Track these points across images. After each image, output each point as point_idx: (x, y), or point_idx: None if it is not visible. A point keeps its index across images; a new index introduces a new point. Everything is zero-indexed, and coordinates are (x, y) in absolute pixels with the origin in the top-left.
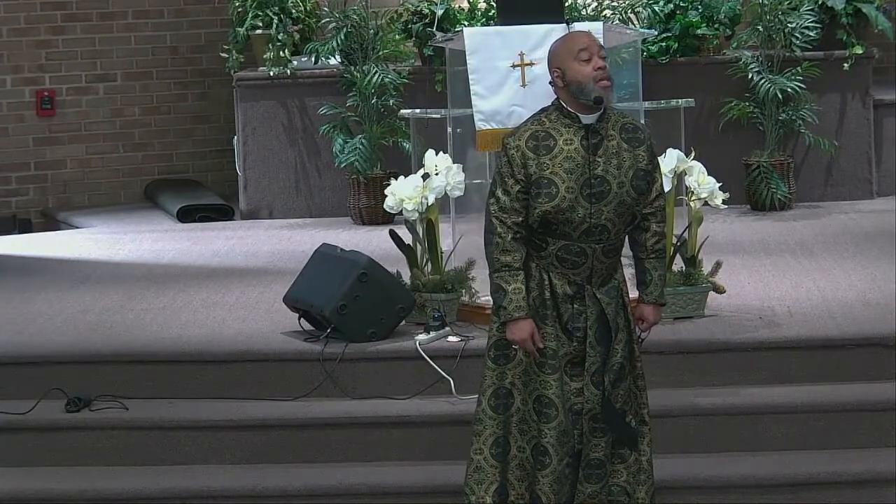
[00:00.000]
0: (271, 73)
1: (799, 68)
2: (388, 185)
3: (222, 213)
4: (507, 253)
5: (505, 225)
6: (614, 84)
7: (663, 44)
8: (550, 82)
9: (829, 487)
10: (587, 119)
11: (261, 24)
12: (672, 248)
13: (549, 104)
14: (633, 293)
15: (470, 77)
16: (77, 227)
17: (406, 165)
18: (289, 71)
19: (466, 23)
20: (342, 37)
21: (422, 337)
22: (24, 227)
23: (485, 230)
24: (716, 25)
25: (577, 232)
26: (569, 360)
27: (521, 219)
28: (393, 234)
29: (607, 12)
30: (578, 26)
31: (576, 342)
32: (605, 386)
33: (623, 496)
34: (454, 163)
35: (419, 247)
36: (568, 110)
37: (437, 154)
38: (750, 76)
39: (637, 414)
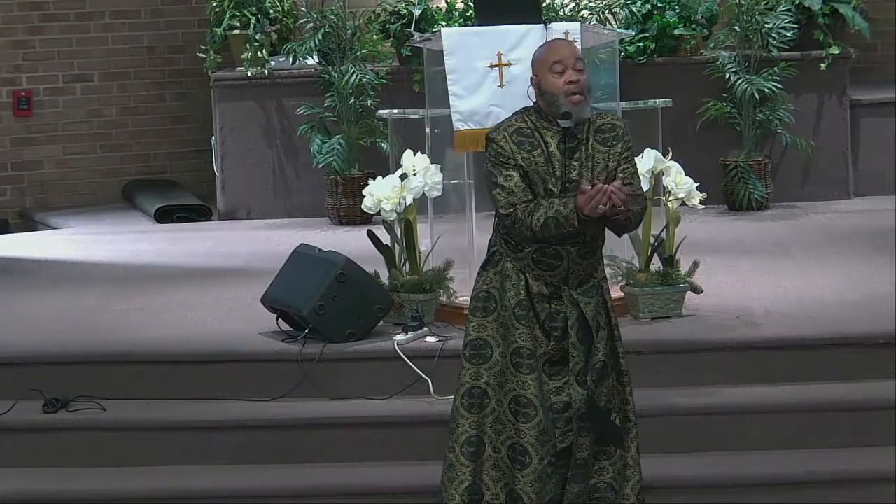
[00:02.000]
0: (249, 74)
1: (776, 68)
2: (366, 185)
3: (200, 213)
4: (534, 213)
5: (518, 207)
6: (589, 96)
7: (641, 44)
8: (529, 87)
9: (807, 487)
10: (565, 123)
11: (238, 25)
12: (650, 249)
13: (530, 105)
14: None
15: (448, 77)
16: (54, 228)
17: (384, 166)
18: (266, 71)
19: (444, 23)
20: (320, 37)
21: (400, 337)
22: (2, 227)
23: (497, 225)
24: (693, 26)
25: None
26: (547, 359)
27: (530, 198)
28: (371, 235)
29: (585, 12)
30: (556, 27)
31: (553, 341)
32: (588, 385)
33: (609, 492)
34: (432, 163)
35: (397, 247)
36: (545, 113)
37: (415, 154)
38: (727, 76)
39: (621, 411)
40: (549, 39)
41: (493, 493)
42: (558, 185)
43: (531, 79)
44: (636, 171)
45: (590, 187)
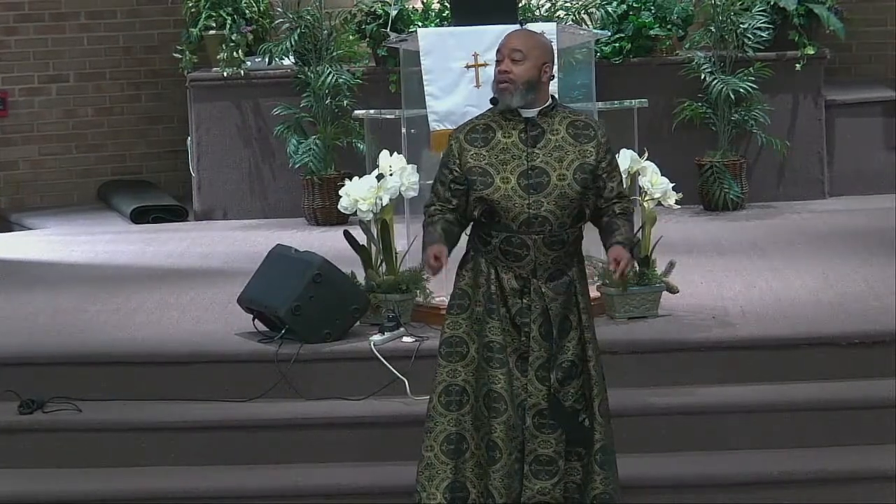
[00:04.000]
0: (225, 74)
1: (751, 69)
2: (343, 185)
3: (176, 214)
4: (432, 216)
5: (433, 207)
6: (517, 87)
7: (616, 44)
8: None
9: (783, 486)
10: (527, 113)
11: (214, 25)
12: None
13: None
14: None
15: (424, 78)
16: (30, 229)
17: (360, 166)
18: (242, 71)
19: (420, 23)
20: (296, 37)
21: (376, 338)
22: None
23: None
24: (668, 26)
25: (517, 223)
26: (518, 355)
27: (451, 206)
28: (347, 235)
29: (561, 13)
30: (532, 27)
31: (524, 337)
32: (551, 382)
33: (577, 493)
34: (408, 163)
35: (373, 247)
36: None
37: (391, 155)
38: (702, 77)
39: (590, 415)
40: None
41: (478, 490)
42: (517, 172)
43: None
44: (621, 180)
45: (435, 263)
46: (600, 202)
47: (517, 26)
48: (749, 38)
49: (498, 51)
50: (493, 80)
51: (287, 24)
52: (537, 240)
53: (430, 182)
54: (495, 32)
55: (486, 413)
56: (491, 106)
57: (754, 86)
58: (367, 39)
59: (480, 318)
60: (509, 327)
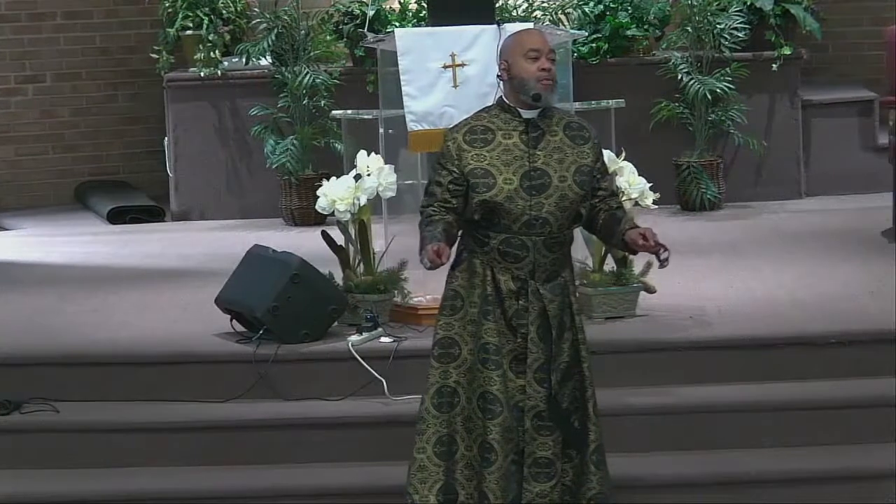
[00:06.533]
0: (202, 74)
1: (728, 69)
2: (320, 186)
3: (153, 214)
4: (430, 216)
5: (429, 209)
6: (556, 86)
7: (593, 45)
8: (498, 75)
9: (761, 486)
10: (527, 114)
11: (191, 25)
12: (603, 249)
13: (491, 104)
14: None
15: (401, 78)
16: (7, 229)
17: (338, 166)
18: (219, 72)
19: (398, 23)
20: (273, 37)
21: (354, 338)
22: None
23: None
24: (645, 26)
25: (518, 224)
26: (514, 356)
27: (450, 205)
28: (325, 235)
29: (538, 13)
30: (510, 27)
31: (520, 338)
32: (551, 384)
33: (567, 495)
34: (386, 164)
35: (351, 248)
36: (509, 105)
37: (368, 155)
38: (679, 77)
39: (583, 416)
40: (521, 29)
41: (467, 492)
42: (519, 173)
43: (500, 64)
44: (613, 179)
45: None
46: (594, 200)
47: (494, 27)
48: (726, 39)
49: (533, 49)
50: (534, 78)
51: (264, 25)
52: (537, 241)
53: (409, 182)
54: (472, 33)
55: (480, 415)
56: (473, 108)
57: (731, 86)
58: (345, 40)
59: (475, 319)
60: (504, 329)
